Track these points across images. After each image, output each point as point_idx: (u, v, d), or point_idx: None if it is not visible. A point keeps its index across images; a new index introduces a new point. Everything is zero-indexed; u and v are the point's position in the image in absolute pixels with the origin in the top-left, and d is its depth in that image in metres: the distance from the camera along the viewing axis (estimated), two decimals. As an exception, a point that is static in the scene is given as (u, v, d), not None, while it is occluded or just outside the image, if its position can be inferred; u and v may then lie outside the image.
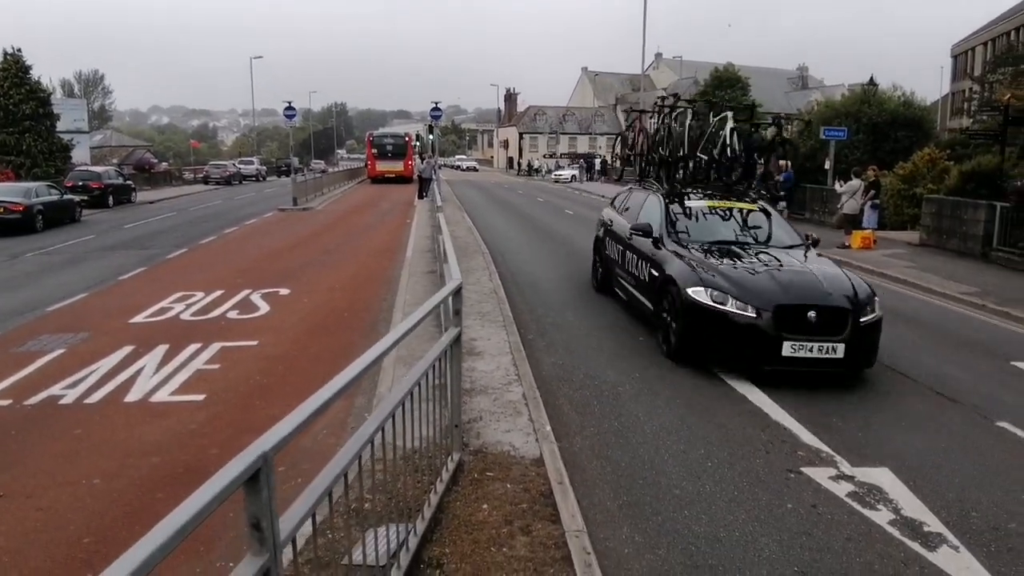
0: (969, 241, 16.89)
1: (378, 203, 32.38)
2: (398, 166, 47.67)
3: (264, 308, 10.91)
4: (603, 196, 38.96)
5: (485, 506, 4.55)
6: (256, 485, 2.06)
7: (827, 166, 23.33)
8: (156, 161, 58.54)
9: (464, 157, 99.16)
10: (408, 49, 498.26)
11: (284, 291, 12.14)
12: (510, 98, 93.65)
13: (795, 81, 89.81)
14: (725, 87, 50.60)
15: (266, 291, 12.03)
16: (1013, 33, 52.96)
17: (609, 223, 11.75)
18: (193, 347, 8.68)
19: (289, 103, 33.55)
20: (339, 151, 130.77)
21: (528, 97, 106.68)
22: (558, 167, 66.10)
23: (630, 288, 9.99)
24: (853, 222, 17.99)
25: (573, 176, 58.40)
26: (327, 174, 47.40)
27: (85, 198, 27.04)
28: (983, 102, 39.66)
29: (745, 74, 52.57)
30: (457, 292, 4.85)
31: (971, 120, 39.29)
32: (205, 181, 48.81)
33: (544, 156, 77.79)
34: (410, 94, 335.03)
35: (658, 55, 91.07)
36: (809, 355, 7.15)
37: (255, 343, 9.00)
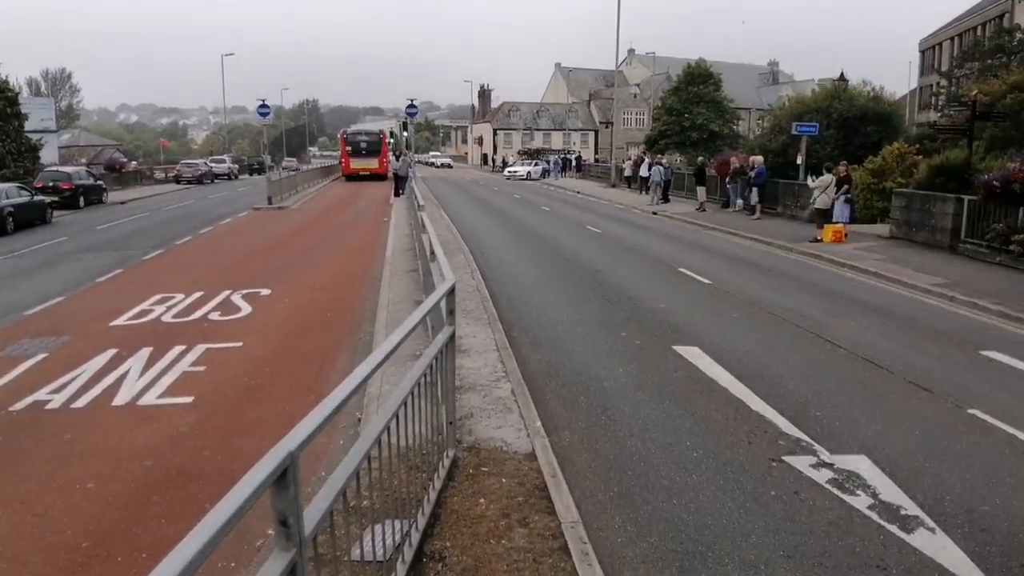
0: (938, 234, 17.30)
1: (354, 201, 32.30)
2: (372, 163, 47.50)
3: (246, 309, 10.92)
4: (578, 192, 39.25)
5: (482, 500, 4.67)
6: (284, 483, 2.16)
7: (799, 161, 23.71)
8: (126, 160, 57.63)
9: (438, 154, 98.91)
10: (381, 45, 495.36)
11: (265, 291, 12.14)
12: (484, 94, 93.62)
13: (766, 76, 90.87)
14: (697, 82, 51.10)
15: (247, 292, 12.03)
16: (980, 28, 53.93)
17: None
18: (177, 349, 8.69)
19: (263, 101, 33.32)
20: (311, 148, 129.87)
21: (502, 93, 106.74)
22: (512, 163, 64.77)
23: None
24: (825, 216, 18.33)
25: (529, 173, 56.61)
26: (300, 172, 47.09)
27: (56, 199, 26.64)
28: (950, 97, 40.47)
29: (717, 69, 53.12)
30: (451, 292, 4.96)
31: (939, 114, 40.04)
32: (177, 180, 48.22)
33: (519, 152, 77.91)
34: (383, 90, 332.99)
35: (631, 51, 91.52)
36: None
37: (240, 344, 9.03)
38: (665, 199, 30.07)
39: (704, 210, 26.17)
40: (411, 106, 35.42)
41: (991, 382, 7.88)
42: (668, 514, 4.74)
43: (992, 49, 39.19)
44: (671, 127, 49.64)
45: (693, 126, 48.83)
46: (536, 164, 60.30)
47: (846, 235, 18.00)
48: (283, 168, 57.50)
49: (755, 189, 23.77)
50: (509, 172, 58.11)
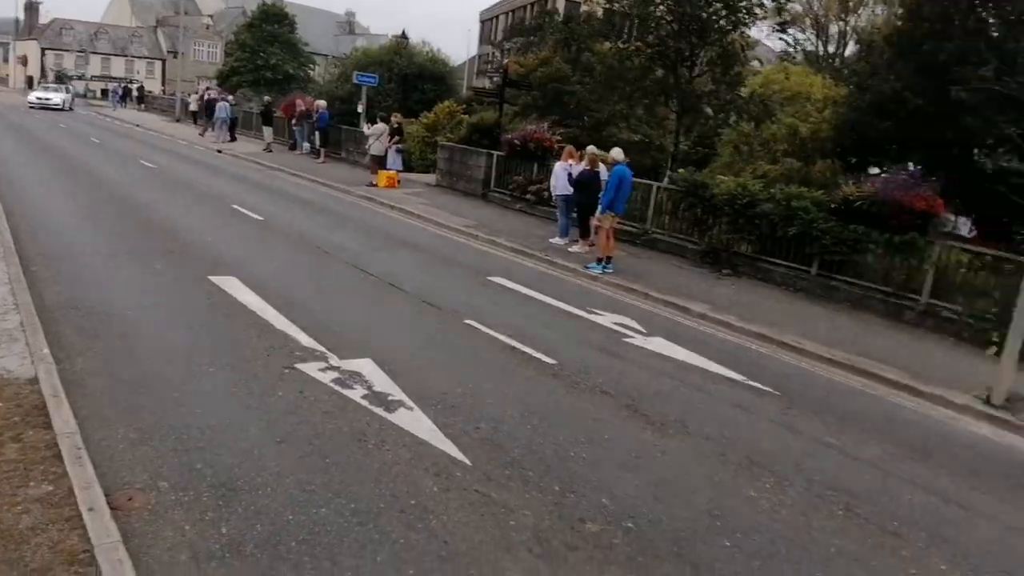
0: (473, 184, 19.83)
1: None
2: None
3: None
4: (138, 126, 35.75)
5: (-33, 425, 4.39)
6: None
7: (360, 109, 24.86)
8: None
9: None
10: None
11: None
12: (31, 7, 78.61)
13: (343, 25, 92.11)
14: (272, 21, 49.89)
15: None
16: (530, 7, 61.18)
17: None
18: None
19: None
20: None
21: (53, 8, 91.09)
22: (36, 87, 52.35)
23: None
24: (379, 163, 19.69)
25: (64, 102, 45.44)
26: None
27: None
28: (497, 66, 45.83)
29: (294, 11, 52.43)
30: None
31: (488, 80, 45.18)
32: None
33: (73, 77, 67.50)
34: None
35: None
36: None
37: None
38: (232, 138, 29.12)
39: (271, 151, 26.04)
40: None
41: (489, 300, 9.58)
42: (173, 421, 4.98)
43: (533, 28, 45.36)
44: (245, 64, 47.83)
45: (267, 65, 47.66)
46: (66, 91, 49.13)
47: (399, 182, 19.61)
48: None
49: (318, 133, 24.38)
50: (37, 99, 45.23)
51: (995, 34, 20.38)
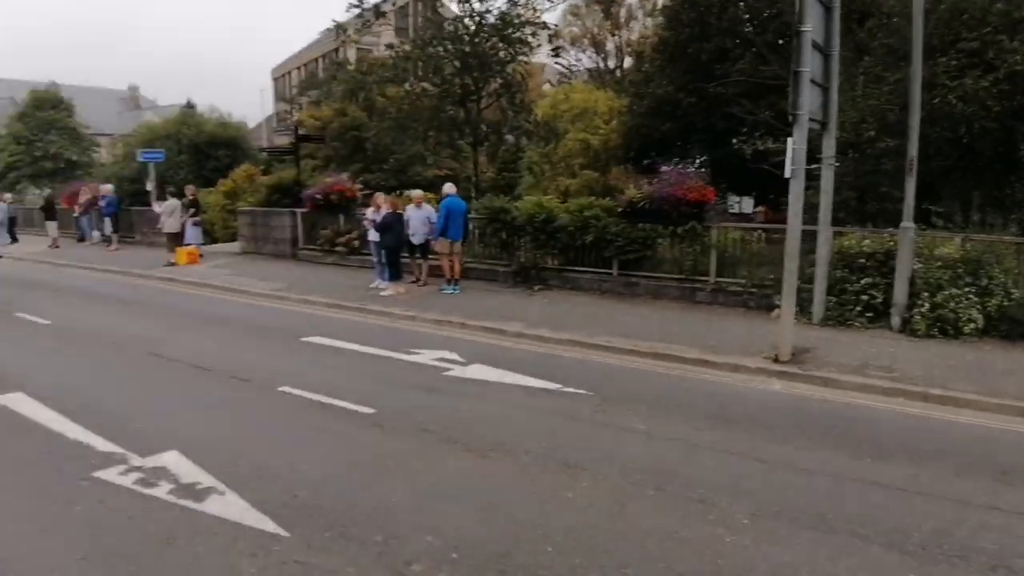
0: (280, 245, 19.39)
1: None
2: None
3: None
4: None
5: None
6: None
7: (149, 187, 23.61)
8: None
9: None
10: None
11: None
12: None
13: (127, 101, 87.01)
14: (47, 108, 46.34)
15: None
16: (320, 60, 60.72)
17: None
18: None
19: None
20: None
21: None
22: None
23: None
24: (176, 240, 18.79)
25: None
26: None
27: None
28: (293, 122, 45.04)
29: (72, 94, 48.99)
30: None
31: (287, 139, 44.28)
32: None
33: None
34: None
35: (-45, 73, 77.23)
36: None
37: None
38: (13, 239, 26.62)
39: (58, 246, 24.10)
40: None
41: (303, 361, 9.41)
42: (-50, 565, 4.52)
43: (326, 79, 45.02)
44: (21, 158, 43.99)
45: (46, 156, 44.10)
46: None
47: (201, 256, 18.80)
48: None
49: (108, 219, 22.89)
50: None
51: (748, 29, 22.77)
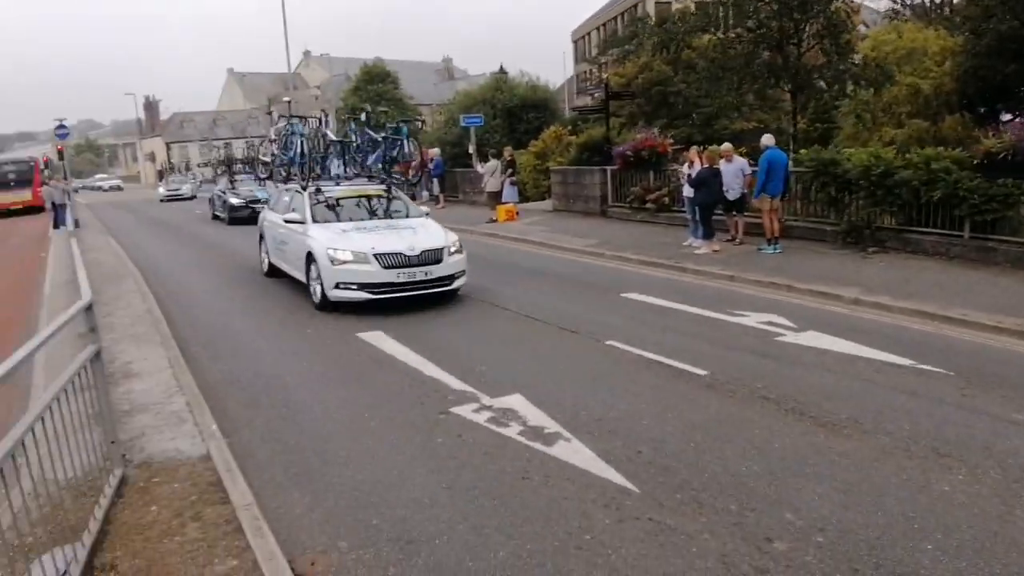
0: (590, 202, 19.73)
1: (5, 239, 28.28)
2: (25, 195, 41.74)
3: None
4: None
5: (154, 507, 4.67)
6: None
7: (471, 150, 25.41)
8: None
9: (105, 176, 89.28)
10: (25, 62, 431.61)
11: None
12: (151, 106, 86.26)
13: (442, 72, 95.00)
14: (376, 81, 52.08)
15: None
16: (620, 18, 61.02)
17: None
18: None
19: None
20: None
21: (172, 104, 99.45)
22: (168, 179, 51.42)
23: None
24: (497, 198, 19.97)
25: (191, 190, 46.52)
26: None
27: None
28: (596, 81, 45.67)
29: (394, 68, 54.55)
30: (88, 308, 4.82)
31: (589, 98, 45.09)
32: None
33: (199, 165, 73.18)
34: (33, 112, 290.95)
35: (307, 53, 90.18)
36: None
37: None
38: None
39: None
40: (60, 126, 31.72)
41: (627, 317, 9.40)
42: (344, 479, 5.12)
43: (628, 36, 45.05)
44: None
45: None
46: (185, 179, 49.00)
47: (517, 213, 19.79)
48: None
49: (436, 180, 25.07)
50: (168, 193, 45.93)
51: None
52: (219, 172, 36.26)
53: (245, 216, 23.44)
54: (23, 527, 3.59)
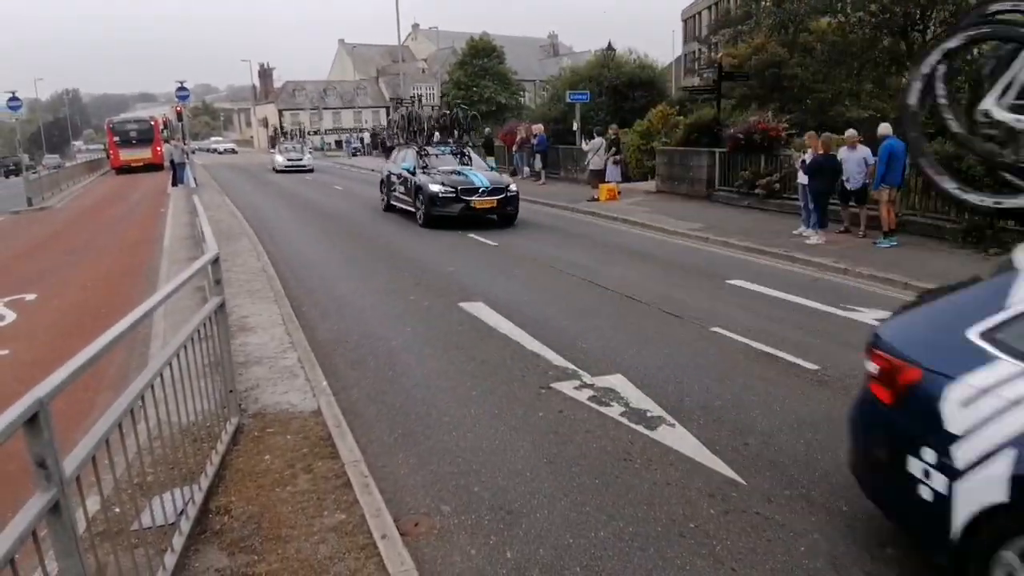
0: (696, 185, 19.26)
1: (127, 195, 30.05)
2: (145, 153, 44.24)
3: (10, 316, 10.08)
4: (373, 170, 38.83)
5: (267, 457, 4.88)
6: (36, 428, 2.30)
7: (575, 127, 25.19)
8: None
9: (220, 139, 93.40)
10: (146, 27, 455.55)
11: (30, 296, 11.23)
12: (265, 73, 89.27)
13: (547, 48, 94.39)
14: (481, 56, 52.39)
15: (9, 299, 11.06)
16: (732, -1, 59.04)
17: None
18: (-72, 364, 7.92)
19: (13, 94, 29.92)
20: (76, 143, 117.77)
21: (284, 72, 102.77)
22: (280, 146, 45.82)
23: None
24: (599, 177, 19.75)
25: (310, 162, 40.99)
26: (63, 168, 42.79)
27: None
28: (706, 61, 44.39)
29: (499, 43, 54.66)
30: (215, 261, 5.04)
31: (699, 78, 43.91)
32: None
33: (309, 133, 75.49)
34: (153, 75, 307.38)
35: (415, 26, 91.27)
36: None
37: (6, 352, 8.39)
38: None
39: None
40: (181, 89, 33.38)
41: (732, 304, 9.14)
42: (448, 445, 5.21)
43: (741, 16, 43.55)
44: (461, 101, 50.57)
45: (481, 99, 49.98)
46: (300, 147, 44.45)
47: (619, 193, 19.54)
48: (43, 166, 51.97)
49: (538, 156, 25.01)
50: (287, 163, 39.71)
51: None
52: (389, 141, 24.89)
53: (456, 215, 15.86)
54: (145, 466, 3.80)
